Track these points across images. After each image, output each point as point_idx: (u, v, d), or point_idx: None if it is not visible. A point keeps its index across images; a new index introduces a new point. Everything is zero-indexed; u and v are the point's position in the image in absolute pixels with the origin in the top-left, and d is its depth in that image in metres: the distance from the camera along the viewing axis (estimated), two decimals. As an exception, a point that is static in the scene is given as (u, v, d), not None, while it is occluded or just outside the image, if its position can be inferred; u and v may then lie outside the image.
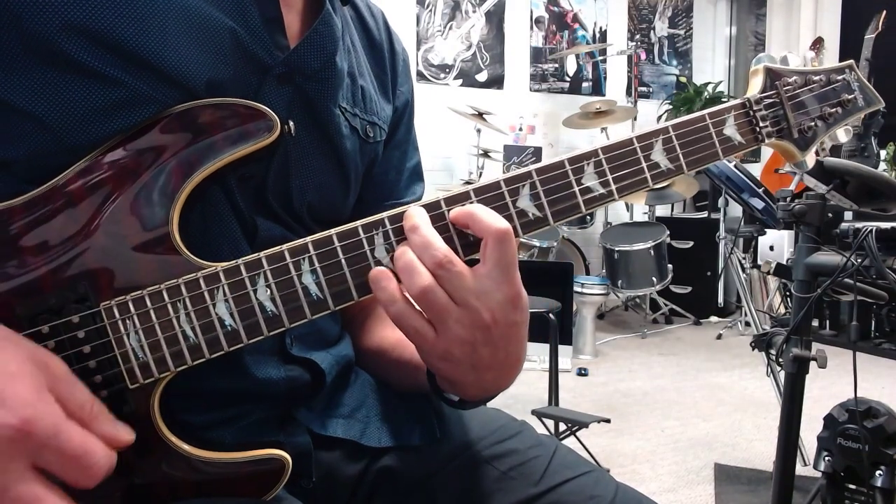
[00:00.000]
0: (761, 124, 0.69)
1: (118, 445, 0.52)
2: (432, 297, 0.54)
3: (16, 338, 0.51)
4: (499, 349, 0.57)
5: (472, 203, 0.58)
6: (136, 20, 0.56)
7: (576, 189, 0.61)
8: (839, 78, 0.74)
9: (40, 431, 0.46)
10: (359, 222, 0.57)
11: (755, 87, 0.70)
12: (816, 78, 0.73)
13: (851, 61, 0.76)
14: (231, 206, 0.63)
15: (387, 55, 0.81)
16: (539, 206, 0.60)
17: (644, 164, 0.63)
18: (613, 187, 0.62)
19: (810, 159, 0.74)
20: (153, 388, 0.55)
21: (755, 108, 0.69)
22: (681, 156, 0.65)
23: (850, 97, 0.74)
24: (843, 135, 0.75)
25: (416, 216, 0.56)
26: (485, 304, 0.55)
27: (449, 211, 0.57)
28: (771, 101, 0.70)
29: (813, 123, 0.72)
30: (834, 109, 0.73)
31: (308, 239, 0.56)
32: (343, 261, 0.56)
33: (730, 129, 0.67)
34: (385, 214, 0.57)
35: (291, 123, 0.63)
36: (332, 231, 0.57)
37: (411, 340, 0.57)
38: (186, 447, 0.56)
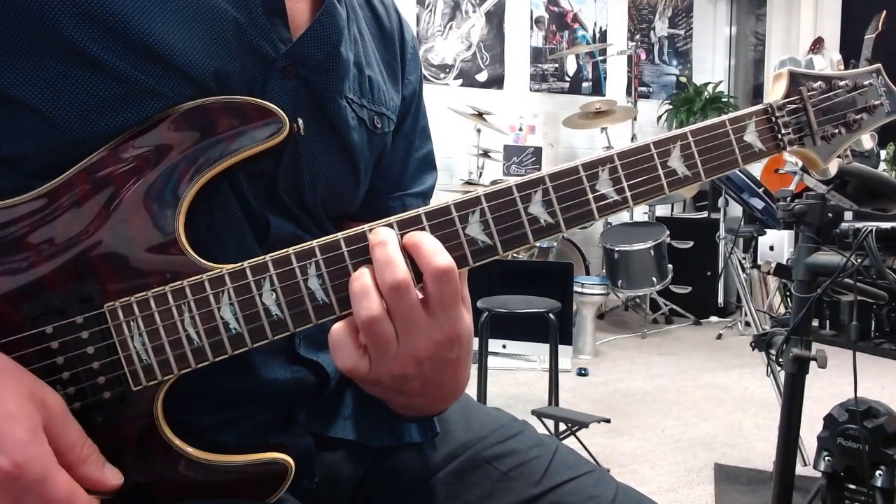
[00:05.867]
0: (783, 131, 0.67)
1: (105, 490, 0.52)
2: (378, 327, 0.53)
3: (16, 370, 0.51)
4: (430, 382, 0.57)
5: (422, 229, 0.56)
6: (143, 6, 0.56)
7: (590, 196, 0.59)
8: (866, 83, 0.71)
9: (29, 476, 0.47)
10: (366, 226, 0.56)
11: (778, 91, 0.68)
12: (842, 83, 0.70)
13: (879, 65, 0.73)
14: (241, 204, 0.62)
15: (397, 43, 0.79)
16: (551, 213, 0.58)
17: (661, 171, 0.61)
18: (628, 194, 0.60)
19: (833, 167, 0.71)
20: (157, 390, 0.56)
21: (777, 114, 0.66)
22: (699, 163, 0.63)
23: (876, 103, 0.71)
24: (867, 141, 0.73)
25: (385, 233, 0.55)
26: (422, 342, 0.54)
27: (402, 235, 0.56)
28: (794, 106, 0.67)
29: (837, 130, 0.69)
30: (859, 116, 0.70)
31: (314, 243, 0.56)
32: (350, 266, 0.56)
33: (750, 136, 0.65)
34: (394, 218, 0.57)
35: (301, 122, 0.61)
36: (340, 235, 0.56)
37: (344, 371, 0.56)
38: (190, 450, 0.56)
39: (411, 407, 0.61)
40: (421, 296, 0.54)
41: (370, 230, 0.56)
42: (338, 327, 0.55)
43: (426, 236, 0.55)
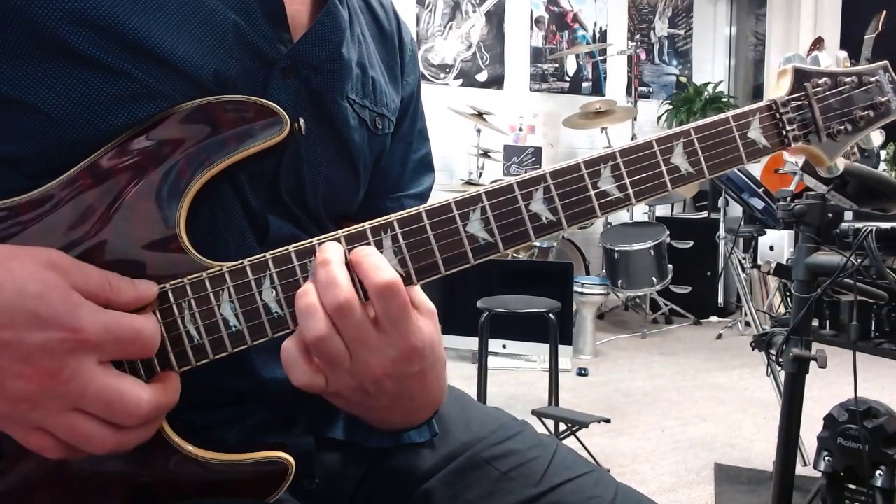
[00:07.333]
0: (788, 127, 0.66)
1: (148, 301, 0.53)
2: (328, 346, 0.52)
3: (19, 252, 0.50)
4: (397, 397, 0.57)
5: (366, 246, 0.55)
6: (140, 10, 0.56)
7: (591, 192, 0.59)
8: (872, 80, 0.70)
9: (92, 332, 0.48)
10: (367, 224, 0.56)
11: (783, 88, 0.67)
12: (848, 79, 0.69)
13: (885, 62, 0.72)
14: (241, 203, 0.63)
15: (397, 45, 0.80)
16: (553, 210, 0.58)
17: (663, 168, 0.61)
18: (630, 191, 0.60)
19: (840, 164, 0.70)
20: (157, 388, 0.56)
21: (782, 110, 0.66)
22: (702, 159, 0.62)
23: (883, 100, 0.70)
24: (877, 137, 0.71)
25: (329, 250, 0.54)
26: (376, 360, 0.53)
27: (350, 250, 0.55)
28: (799, 102, 0.67)
29: (843, 127, 0.68)
30: (865, 112, 0.69)
31: (314, 240, 0.56)
32: None
33: (754, 132, 0.65)
34: (394, 217, 0.56)
35: (302, 122, 0.61)
36: (340, 233, 0.56)
37: (300, 388, 0.55)
38: (190, 448, 0.56)
39: (387, 422, 0.61)
40: (373, 313, 0.54)
41: (319, 244, 0.55)
42: (288, 345, 0.54)
43: (370, 252, 0.54)
